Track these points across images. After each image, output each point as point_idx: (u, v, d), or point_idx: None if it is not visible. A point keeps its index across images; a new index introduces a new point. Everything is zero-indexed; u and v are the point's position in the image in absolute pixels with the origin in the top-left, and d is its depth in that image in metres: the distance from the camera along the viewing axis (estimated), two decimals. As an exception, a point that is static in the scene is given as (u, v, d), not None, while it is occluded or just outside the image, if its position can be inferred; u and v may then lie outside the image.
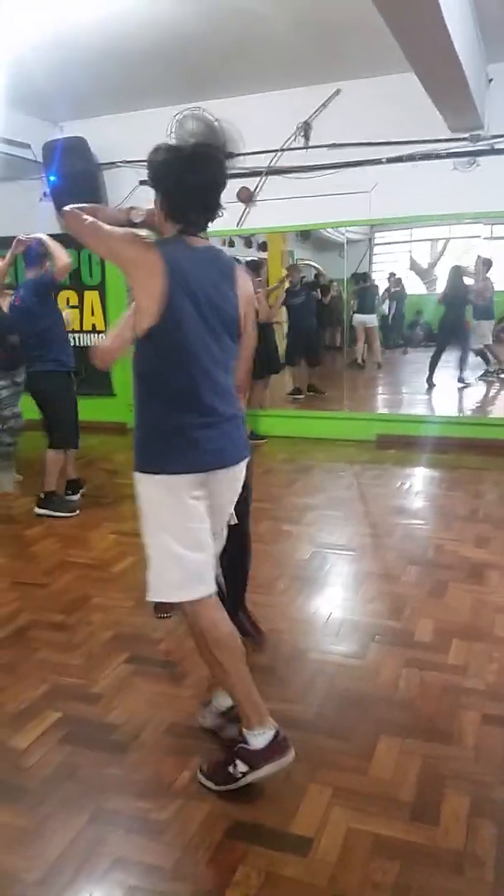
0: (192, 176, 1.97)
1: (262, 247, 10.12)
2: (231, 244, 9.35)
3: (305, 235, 9.57)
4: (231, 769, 2.04)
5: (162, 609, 3.08)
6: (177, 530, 2.02)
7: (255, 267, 6.82)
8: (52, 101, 5.99)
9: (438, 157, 5.82)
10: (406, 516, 4.56)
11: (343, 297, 8.34)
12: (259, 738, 2.03)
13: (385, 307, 9.95)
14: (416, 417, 6.98)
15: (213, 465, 2.05)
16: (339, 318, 8.75)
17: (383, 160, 5.94)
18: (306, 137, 6.07)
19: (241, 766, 2.03)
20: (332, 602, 3.33)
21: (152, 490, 2.03)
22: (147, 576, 2.07)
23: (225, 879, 1.75)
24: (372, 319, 8.75)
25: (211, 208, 2.03)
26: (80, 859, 1.83)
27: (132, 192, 6.34)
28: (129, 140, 6.42)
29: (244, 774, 2.02)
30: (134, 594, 3.34)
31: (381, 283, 9.69)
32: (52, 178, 6.35)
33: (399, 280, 9.93)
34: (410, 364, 9.74)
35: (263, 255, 9.94)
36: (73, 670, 2.75)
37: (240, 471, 2.15)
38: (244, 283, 2.11)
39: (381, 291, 9.60)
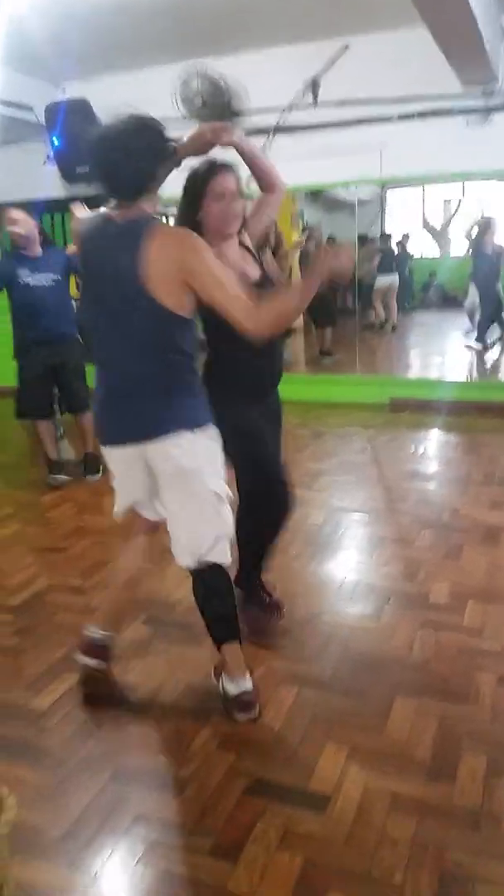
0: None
1: (272, 208, 9.99)
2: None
3: (315, 196, 9.42)
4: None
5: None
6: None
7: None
8: (54, 62, 5.85)
9: (450, 113, 5.67)
10: (420, 480, 4.55)
11: (355, 259, 8.25)
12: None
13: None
14: (430, 381, 6.93)
15: (106, 441, 2.23)
16: (350, 280, 8.66)
17: (394, 117, 5.80)
18: (314, 95, 5.92)
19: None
20: (346, 566, 3.34)
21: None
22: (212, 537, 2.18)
23: (243, 835, 1.79)
24: (395, 280, 8.64)
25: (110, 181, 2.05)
26: (103, 815, 1.87)
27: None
28: (133, 100, 6.19)
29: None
30: (150, 558, 3.36)
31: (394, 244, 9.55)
32: (55, 141, 6.25)
33: (405, 240, 9.78)
34: (423, 326, 9.66)
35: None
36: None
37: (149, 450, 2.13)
38: (160, 249, 1.94)
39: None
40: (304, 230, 8.22)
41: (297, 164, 6.13)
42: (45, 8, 4.75)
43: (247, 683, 2.25)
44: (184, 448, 2.09)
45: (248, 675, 2.27)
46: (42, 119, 6.31)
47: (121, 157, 1.97)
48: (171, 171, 2.13)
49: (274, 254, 6.87)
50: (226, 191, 2.32)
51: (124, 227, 2.02)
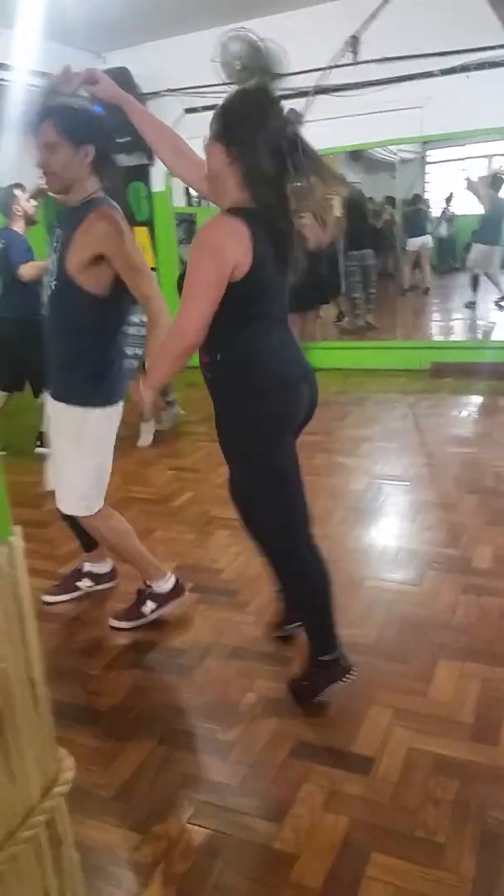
0: None
1: (311, 171, 9.81)
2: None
3: (356, 156, 9.22)
4: (142, 609, 2.63)
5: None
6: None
7: (297, 192, 6.61)
8: (93, 32, 5.83)
9: (494, 65, 5.49)
10: (463, 445, 4.50)
11: (396, 221, 8.09)
12: (165, 585, 2.64)
13: (443, 229, 9.59)
14: (472, 343, 6.81)
15: None
16: (391, 243, 8.51)
17: (436, 72, 5.64)
18: (354, 52, 5.79)
19: (150, 605, 2.63)
20: (389, 532, 3.35)
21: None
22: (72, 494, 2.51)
23: (290, 796, 1.83)
24: (426, 241, 8.47)
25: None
26: (152, 776, 1.93)
27: (177, 121, 6.19)
28: (172, 67, 6.24)
29: (153, 611, 2.63)
30: (194, 527, 3.42)
31: (437, 204, 9.34)
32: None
33: (449, 199, 9.55)
34: (466, 288, 9.45)
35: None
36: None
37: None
38: (88, 227, 2.22)
39: (435, 213, 9.26)
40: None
41: (336, 125, 6.04)
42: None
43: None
44: None
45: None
46: (83, 90, 6.28)
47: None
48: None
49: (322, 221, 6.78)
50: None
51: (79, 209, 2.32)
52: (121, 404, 2.48)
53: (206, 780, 1.92)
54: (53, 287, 2.33)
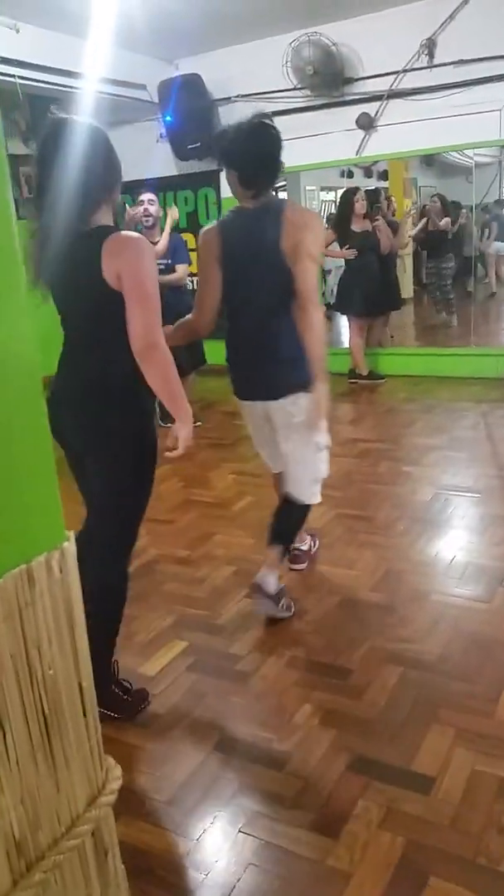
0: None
1: (383, 175, 9.69)
2: (349, 175, 9.02)
3: (429, 161, 9.08)
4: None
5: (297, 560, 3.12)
6: None
7: (372, 196, 6.53)
8: (166, 39, 5.89)
9: None
10: (537, 457, 4.35)
11: (472, 225, 7.92)
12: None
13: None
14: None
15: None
16: (465, 249, 8.32)
17: (515, 75, 5.49)
18: (430, 56, 5.68)
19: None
20: (456, 545, 3.24)
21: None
22: (309, 486, 2.64)
23: (345, 811, 1.78)
24: (501, 248, 8.28)
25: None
26: (206, 783, 1.91)
27: (248, 126, 6.21)
28: (243, 73, 6.25)
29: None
30: (253, 531, 3.39)
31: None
32: (167, 119, 6.30)
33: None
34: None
35: (384, 184, 9.52)
36: (198, 602, 2.85)
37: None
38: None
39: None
40: (413, 204, 7.92)
41: (410, 129, 5.95)
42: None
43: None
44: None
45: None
46: (155, 97, 6.39)
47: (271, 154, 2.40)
48: None
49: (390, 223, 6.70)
50: None
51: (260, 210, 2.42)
52: None
53: (260, 790, 1.89)
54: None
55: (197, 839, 1.74)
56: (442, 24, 5.58)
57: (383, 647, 2.46)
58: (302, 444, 2.55)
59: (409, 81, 5.86)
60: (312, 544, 3.18)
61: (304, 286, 2.36)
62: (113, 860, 0.86)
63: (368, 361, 6.45)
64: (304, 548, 3.12)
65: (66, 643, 0.79)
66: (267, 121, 2.42)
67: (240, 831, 1.75)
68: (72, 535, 0.85)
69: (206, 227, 2.56)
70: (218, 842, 1.73)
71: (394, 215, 7.55)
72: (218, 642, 2.56)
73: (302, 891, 1.59)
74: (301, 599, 2.81)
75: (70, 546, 0.82)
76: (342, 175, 8.90)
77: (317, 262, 2.41)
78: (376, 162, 8.44)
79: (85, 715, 0.83)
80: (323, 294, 7.37)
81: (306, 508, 2.71)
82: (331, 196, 9.24)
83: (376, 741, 2.02)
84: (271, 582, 2.64)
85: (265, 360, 2.50)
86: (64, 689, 0.78)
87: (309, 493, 2.66)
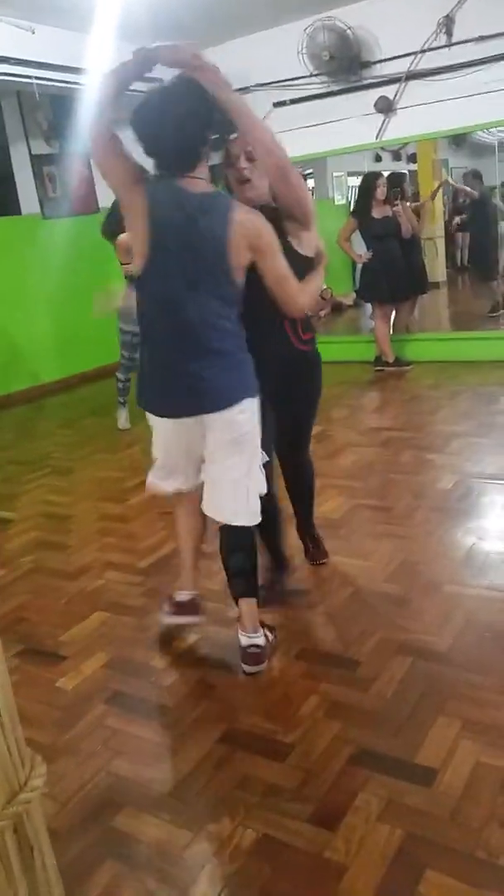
0: None
1: (412, 158, 9.52)
2: (377, 159, 8.88)
3: (459, 141, 8.88)
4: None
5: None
6: None
7: (394, 181, 6.43)
8: (181, 32, 5.87)
9: None
10: None
11: (500, 206, 7.75)
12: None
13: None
14: None
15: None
16: (495, 229, 8.15)
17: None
18: (448, 34, 5.56)
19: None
20: (476, 534, 3.19)
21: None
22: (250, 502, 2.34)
23: (345, 804, 1.78)
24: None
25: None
26: (209, 775, 1.93)
27: (266, 115, 6.17)
28: (260, 62, 6.22)
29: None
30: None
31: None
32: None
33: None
34: None
35: (413, 166, 9.35)
36: (213, 595, 2.85)
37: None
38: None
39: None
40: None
41: (434, 109, 5.85)
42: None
43: (257, 639, 2.35)
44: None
45: (260, 632, 2.38)
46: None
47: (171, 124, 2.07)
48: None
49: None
50: None
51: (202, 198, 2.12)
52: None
53: (262, 781, 1.90)
54: None
55: (197, 831, 1.76)
56: (459, 2, 5.46)
57: (394, 638, 2.45)
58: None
59: (427, 62, 5.75)
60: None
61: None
62: (41, 856, 0.88)
63: (395, 347, 6.38)
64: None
65: None
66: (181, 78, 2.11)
67: (240, 823, 1.77)
68: None
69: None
70: (218, 833, 1.75)
71: (417, 199, 7.43)
72: (228, 634, 2.57)
73: (299, 883, 1.60)
74: (313, 591, 2.81)
75: None
76: (375, 160, 8.78)
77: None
78: (404, 144, 8.31)
79: None
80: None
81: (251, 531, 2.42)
82: (359, 181, 9.13)
83: (381, 733, 2.02)
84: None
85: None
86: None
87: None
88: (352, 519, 3.43)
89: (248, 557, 2.42)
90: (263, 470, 2.37)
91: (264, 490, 2.37)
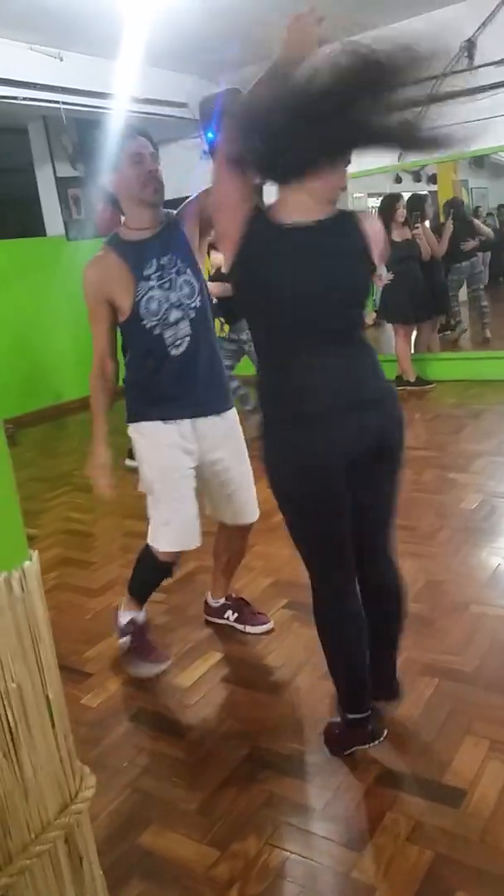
0: None
1: (432, 179, 9.58)
2: (398, 180, 8.95)
3: (479, 162, 8.93)
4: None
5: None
6: None
7: (414, 204, 6.46)
8: (205, 57, 5.98)
9: None
10: None
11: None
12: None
13: None
14: None
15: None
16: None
17: None
18: (470, 57, 5.62)
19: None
20: (501, 554, 3.18)
21: None
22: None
23: (373, 824, 1.77)
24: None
25: None
26: (235, 794, 1.93)
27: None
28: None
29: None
30: (292, 544, 3.38)
31: None
32: (209, 136, 6.38)
33: None
34: None
35: (433, 187, 9.40)
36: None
37: None
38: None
39: None
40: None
41: (455, 131, 5.87)
42: (194, 5, 4.87)
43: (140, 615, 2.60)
44: None
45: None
46: (197, 115, 6.49)
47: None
48: None
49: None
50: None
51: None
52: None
53: (289, 801, 1.89)
54: (197, 313, 2.31)
55: (224, 850, 1.75)
56: (481, 25, 5.52)
57: (419, 658, 2.44)
58: None
59: (449, 85, 5.80)
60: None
61: None
62: (90, 867, 0.89)
63: (417, 367, 6.38)
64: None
65: (30, 658, 0.83)
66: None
67: (267, 842, 1.76)
68: (35, 555, 0.89)
69: None
70: (245, 852, 1.74)
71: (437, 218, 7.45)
72: (253, 654, 2.58)
73: (326, 903, 1.59)
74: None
75: (32, 566, 0.86)
76: (395, 181, 8.84)
77: None
78: (424, 166, 8.36)
79: (53, 726, 0.86)
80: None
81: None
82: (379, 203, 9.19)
83: (408, 753, 2.01)
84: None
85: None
86: (31, 702, 0.82)
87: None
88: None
89: None
90: None
91: None
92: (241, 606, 2.79)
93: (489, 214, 8.79)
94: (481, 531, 3.41)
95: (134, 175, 2.24)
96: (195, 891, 1.66)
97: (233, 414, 2.49)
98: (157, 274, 2.27)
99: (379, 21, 5.62)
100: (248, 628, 2.73)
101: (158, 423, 2.36)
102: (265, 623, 2.73)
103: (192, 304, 2.30)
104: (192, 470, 2.41)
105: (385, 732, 2.01)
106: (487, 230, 7.53)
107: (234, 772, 2.01)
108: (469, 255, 7.02)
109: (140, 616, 2.61)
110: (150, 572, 2.53)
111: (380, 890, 1.59)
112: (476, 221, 7.49)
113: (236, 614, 2.77)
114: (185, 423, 2.36)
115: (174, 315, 2.28)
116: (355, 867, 1.66)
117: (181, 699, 2.38)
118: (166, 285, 2.27)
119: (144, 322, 2.27)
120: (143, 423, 2.39)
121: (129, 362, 2.41)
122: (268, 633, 2.71)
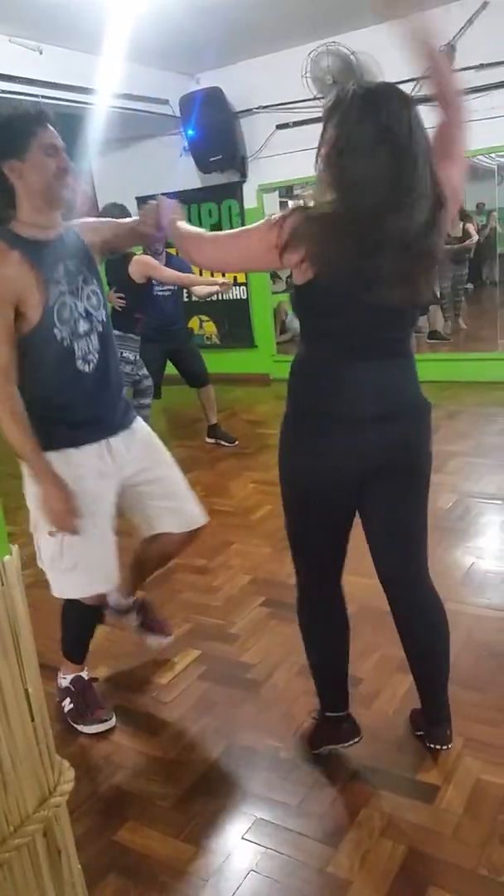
0: None
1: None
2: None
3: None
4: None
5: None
6: None
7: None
8: (186, 54, 5.98)
9: None
10: None
11: (498, 229, 7.85)
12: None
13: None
14: None
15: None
16: (492, 253, 8.24)
17: (538, 75, 5.46)
18: (451, 61, 5.66)
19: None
20: (475, 553, 3.22)
21: None
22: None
23: (348, 820, 1.79)
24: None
25: None
26: (212, 790, 1.94)
27: (269, 137, 6.26)
28: (264, 85, 6.30)
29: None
30: (271, 541, 3.41)
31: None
32: (190, 133, 6.39)
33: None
34: None
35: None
36: (213, 611, 2.88)
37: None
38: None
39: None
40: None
41: (433, 134, 5.92)
42: (178, 3, 4.85)
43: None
44: None
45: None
46: (177, 111, 6.48)
47: None
48: None
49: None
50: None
51: None
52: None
53: (264, 797, 1.91)
54: (104, 328, 2.11)
55: (199, 846, 1.76)
56: (461, 29, 5.57)
57: (395, 655, 2.44)
58: None
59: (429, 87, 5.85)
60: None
61: None
62: (68, 861, 0.90)
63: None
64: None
65: (9, 652, 0.83)
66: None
67: (242, 838, 1.78)
68: (15, 549, 0.89)
69: None
70: (220, 848, 1.75)
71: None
72: (231, 651, 2.59)
73: (301, 898, 1.61)
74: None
75: (12, 560, 0.86)
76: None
77: None
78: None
79: (33, 720, 0.87)
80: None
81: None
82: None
83: (383, 750, 2.03)
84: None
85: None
86: (9, 696, 0.82)
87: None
88: (353, 538, 3.43)
89: None
90: None
91: None
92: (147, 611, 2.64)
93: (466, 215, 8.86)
94: (456, 531, 3.44)
95: (50, 166, 1.91)
96: (172, 886, 1.66)
97: (140, 422, 2.28)
98: (66, 279, 1.99)
99: (358, 24, 5.68)
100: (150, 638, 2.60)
101: (69, 451, 2.05)
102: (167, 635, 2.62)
103: (100, 318, 2.08)
104: (114, 497, 2.17)
105: (360, 737, 1.99)
106: (474, 233, 7.65)
107: (211, 768, 2.02)
108: (458, 257, 7.14)
109: (84, 673, 2.35)
110: (77, 626, 2.30)
111: (354, 884, 1.61)
112: (468, 225, 7.60)
113: (141, 618, 2.62)
114: (102, 444, 2.12)
115: (83, 326, 2.02)
116: (330, 862, 1.68)
117: (158, 696, 2.38)
118: (75, 293, 2.02)
119: (56, 331, 1.96)
120: (48, 454, 2.01)
121: (24, 383, 1.96)
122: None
